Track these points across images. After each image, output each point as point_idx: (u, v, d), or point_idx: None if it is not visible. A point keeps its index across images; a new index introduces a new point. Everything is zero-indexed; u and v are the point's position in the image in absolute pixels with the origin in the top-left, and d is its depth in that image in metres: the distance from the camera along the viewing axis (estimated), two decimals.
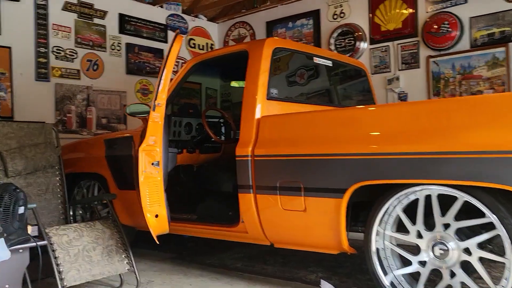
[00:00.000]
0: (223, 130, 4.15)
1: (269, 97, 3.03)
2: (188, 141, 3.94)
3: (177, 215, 3.57)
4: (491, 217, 2.11)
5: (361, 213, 2.68)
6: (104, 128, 5.49)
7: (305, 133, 2.69)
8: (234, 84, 4.52)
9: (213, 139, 3.89)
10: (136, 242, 3.92)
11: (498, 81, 4.79)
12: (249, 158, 2.86)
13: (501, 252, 2.17)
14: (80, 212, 4.21)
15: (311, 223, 2.66)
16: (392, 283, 2.47)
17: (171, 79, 3.48)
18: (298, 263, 3.55)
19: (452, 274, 2.28)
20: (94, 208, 4.06)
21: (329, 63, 3.78)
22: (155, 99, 2.71)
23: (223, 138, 4.12)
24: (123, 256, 2.88)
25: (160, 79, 2.73)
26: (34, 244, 2.30)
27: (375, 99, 4.28)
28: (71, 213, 4.21)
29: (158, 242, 2.78)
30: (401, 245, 2.47)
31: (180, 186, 4.08)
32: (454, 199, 2.23)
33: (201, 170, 4.12)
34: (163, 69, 2.73)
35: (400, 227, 2.48)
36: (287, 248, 2.92)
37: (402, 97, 5.43)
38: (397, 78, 5.43)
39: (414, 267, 2.38)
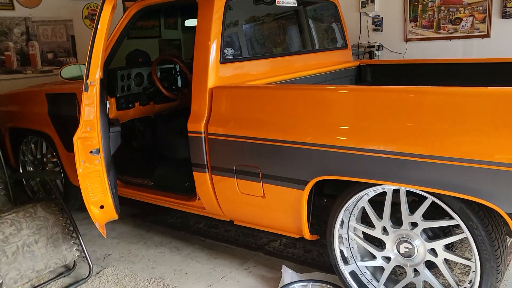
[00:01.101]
0: (178, 79, 3.76)
1: (224, 60, 2.65)
2: (139, 93, 3.55)
3: (132, 178, 3.34)
4: (460, 224, 1.94)
5: (326, 186, 2.50)
6: (52, 64, 4.97)
7: (263, 112, 2.37)
8: (189, 23, 4.02)
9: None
10: None
11: (479, 7, 4.39)
12: (203, 135, 2.56)
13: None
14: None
15: (271, 209, 2.47)
16: (353, 272, 2.36)
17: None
18: None
19: (417, 272, 2.17)
20: (45, 167, 3.77)
21: (293, 3, 3.33)
22: (87, 78, 2.31)
23: (178, 87, 3.75)
24: (71, 242, 2.68)
25: (91, 53, 2.30)
26: None
27: (347, 37, 3.89)
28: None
29: (105, 235, 2.57)
30: (367, 237, 2.33)
31: (136, 142, 3.79)
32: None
33: (160, 119, 3.81)
34: (93, 41, 2.29)
35: (367, 217, 2.31)
36: (247, 226, 2.76)
37: (377, 22, 5.00)
38: (372, 1, 4.95)
39: (378, 262, 2.26)
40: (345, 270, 2.36)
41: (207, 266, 2.88)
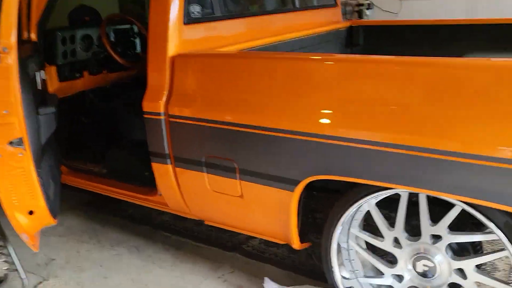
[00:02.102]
0: (137, 42, 3.14)
1: (189, 20, 2.05)
2: (88, 60, 2.93)
3: (82, 164, 2.77)
4: (503, 242, 1.46)
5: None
6: None
7: (240, 89, 1.82)
8: None
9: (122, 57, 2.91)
10: None
11: None
12: (162, 118, 1.99)
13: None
14: None
15: (250, 212, 1.95)
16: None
17: None
18: None
19: None
20: None
21: None
22: None
23: (136, 52, 3.13)
24: None
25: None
26: None
27: None
28: None
29: (37, 249, 2.02)
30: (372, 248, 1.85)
31: (87, 117, 3.18)
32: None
33: (117, 89, 3.20)
34: None
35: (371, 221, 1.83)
36: (221, 227, 2.24)
37: None
38: None
39: (387, 281, 1.79)
40: (343, 286, 1.88)
41: (172, 274, 2.37)
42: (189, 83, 1.94)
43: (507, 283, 1.57)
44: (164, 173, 2.09)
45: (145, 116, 2.04)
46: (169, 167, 2.06)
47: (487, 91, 1.34)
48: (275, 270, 2.36)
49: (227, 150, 1.86)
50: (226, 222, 2.14)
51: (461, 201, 1.47)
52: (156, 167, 2.11)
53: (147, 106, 2.02)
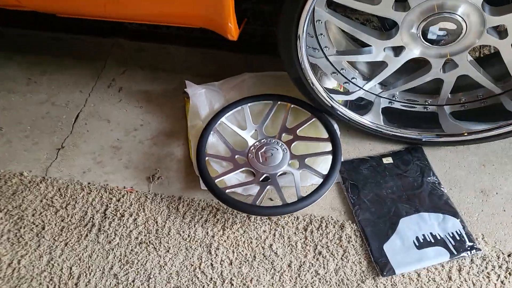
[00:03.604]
0: None
1: None
2: None
3: None
4: None
5: None
6: None
7: None
8: None
9: None
10: None
11: None
12: None
13: None
14: None
15: None
16: (312, 66, 1.26)
17: None
18: None
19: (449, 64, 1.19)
20: None
21: None
22: None
23: None
24: None
25: None
26: None
27: None
28: None
29: None
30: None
31: None
32: None
33: None
34: None
35: None
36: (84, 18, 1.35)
37: None
38: None
39: (377, 55, 1.18)
40: (306, 64, 1.23)
41: (34, 100, 1.55)
42: None
43: None
44: None
45: None
46: None
47: None
48: (187, 55, 1.64)
49: None
50: (96, 13, 1.26)
51: None
52: None
53: None
